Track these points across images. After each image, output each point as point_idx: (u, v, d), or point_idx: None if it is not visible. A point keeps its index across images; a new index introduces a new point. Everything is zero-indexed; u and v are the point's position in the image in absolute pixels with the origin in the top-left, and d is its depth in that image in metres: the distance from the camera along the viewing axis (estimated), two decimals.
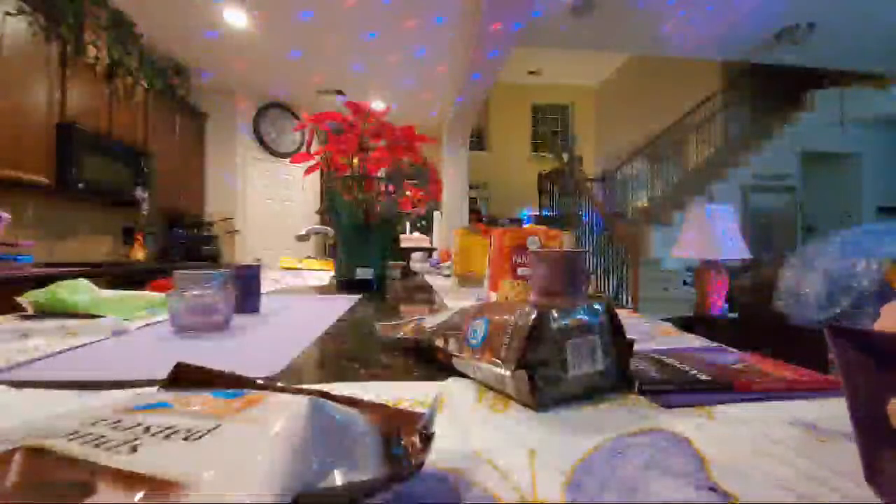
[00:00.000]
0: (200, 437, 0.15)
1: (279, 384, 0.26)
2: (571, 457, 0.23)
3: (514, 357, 0.30)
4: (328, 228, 1.63)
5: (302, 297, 0.96)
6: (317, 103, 4.56)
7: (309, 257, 2.81)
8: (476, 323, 0.35)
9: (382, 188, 1.09)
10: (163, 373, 0.26)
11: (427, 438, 0.20)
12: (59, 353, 0.46)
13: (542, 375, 0.30)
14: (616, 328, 0.35)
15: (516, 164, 8.24)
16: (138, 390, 0.33)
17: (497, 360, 0.31)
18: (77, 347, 0.48)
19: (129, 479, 0.13)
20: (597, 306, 0.34)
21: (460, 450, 0.24)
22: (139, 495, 0.12)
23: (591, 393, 0.33)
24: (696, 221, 2.34)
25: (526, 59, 7.06)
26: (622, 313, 0.73)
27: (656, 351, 0.45)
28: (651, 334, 0.57)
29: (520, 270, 0.77)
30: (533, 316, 0.30)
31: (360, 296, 0.98)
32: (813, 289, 1.57)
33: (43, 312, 0.65)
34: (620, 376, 0.34)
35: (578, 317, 0.32)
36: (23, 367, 0.41)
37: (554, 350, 0.30)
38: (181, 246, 3.65)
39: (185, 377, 0.26)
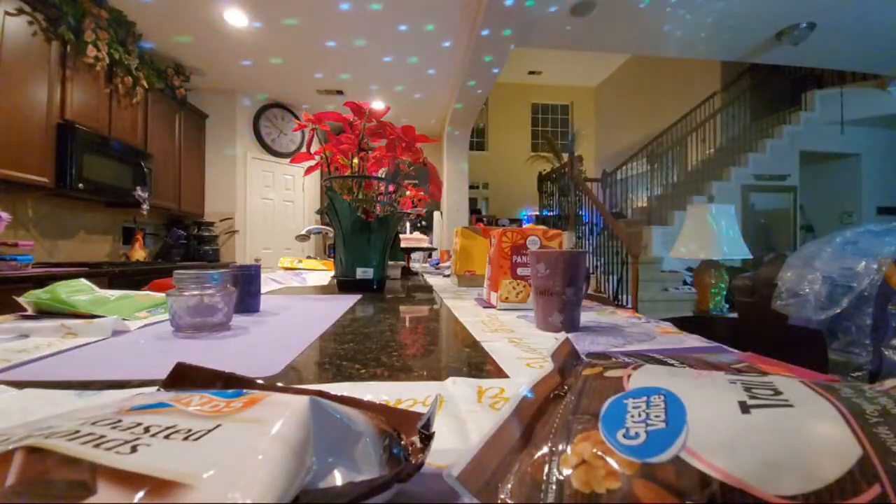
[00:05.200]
0: (200, 437, 0.15)
1: (279, 384, 0.26)
2: None
3: None
4: (328, 228, 1.63)
5: (302, 297, 0.96)
6: (317, 103, 4.56)
7: (309, 257, 2.81)
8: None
9: (382, 188, 1.09)
10: (163, 373, 0.26)
11: (427, 438, 0.20)
12: (59, 353, 0.46)
13: None
14: None
15: (516, 164, 8.24)
16: (138, 390, 0.33)
17: None
18: (77, 347, 0.48)
19: (129, 479, 0.13)
20: None
21: (460, 450, 0.24)
22: (139, 495, 0.12)
23: None
24: (696, 221, 2.34)
25: (526, 59, 7.07)
26: (622, 313, 0.73)
27: (656, 351, 0.45)
28: (651, 334, 0.57)
29: (520, 270, 0.77)
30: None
31: (360, 296, 0.98)
32: (813, 289, 1.57)
33: (43, 312, 0.65)
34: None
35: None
36: (23, 367, 0.41)
37: None
38: (181, 246, 3.65)
39: (185, 377, 0.26)
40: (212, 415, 0.17)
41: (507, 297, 0.77)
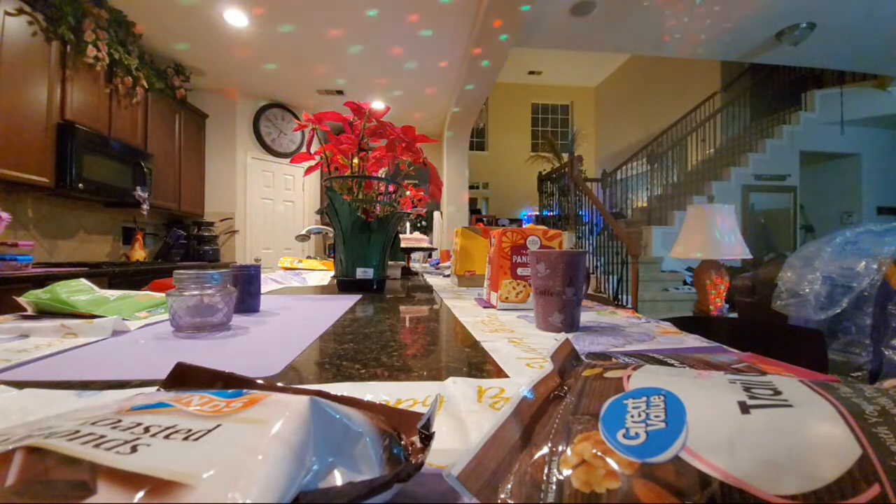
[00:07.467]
0: (200, 437, 0.15)
1: (279, 384, 0.26)
2: None
3: None
4: (328, 228, 1.63)
5: (302, 297, 0.96)
6: (317, 103, 4.56)
7: (309, 257, 2.81)
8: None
9: (382, 188, 1.09)
10: (163, 373, 0.26)
11: (427, 438, 0.20)
12: (59, 353, 0.46)
13: None
14: None
15: (516, 164, 8.24)
16: (138, 390, 0.33)
17: None
18: (77, 347, 0.48)
19: (129, 479, 0.13)
20: None
21: (460, 450, 0.24)
22: (139, 495, 0.12)
23: None
24: (696, 221, 2.34)
25: (526, 59, 7.07)
26: (622, 313, 0.73)
27: (656, 351, 0.45)
28: (651, 334, 0.57)
29: (520, 270, 0.77)
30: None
31: (359, 296, 0.98)
32: (813, 289, 1.57)
33: (43, 312, 0.65)
34: None
35: None
36: (23, 367, 0.41)
37: None
38: (181, 246, 3.65)
39: (185, 377, 0.26)
40: (212, 415, 0.17)
41: (507, 297, 0.77)
